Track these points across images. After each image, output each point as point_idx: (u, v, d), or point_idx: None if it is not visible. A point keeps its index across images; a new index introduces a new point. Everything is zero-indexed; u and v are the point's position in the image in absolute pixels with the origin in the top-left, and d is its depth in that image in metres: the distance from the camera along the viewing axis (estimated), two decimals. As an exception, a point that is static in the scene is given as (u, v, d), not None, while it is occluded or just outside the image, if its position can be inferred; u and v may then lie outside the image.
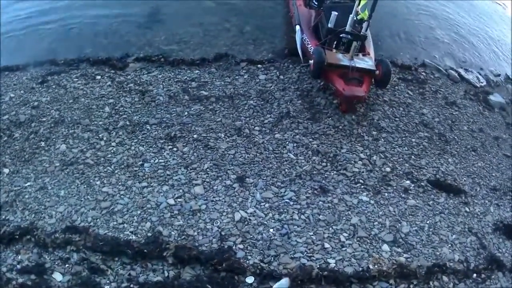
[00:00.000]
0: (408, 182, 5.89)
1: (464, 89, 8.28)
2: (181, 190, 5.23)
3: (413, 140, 6.55)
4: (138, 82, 6.75)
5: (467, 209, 5.89)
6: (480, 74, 9.08)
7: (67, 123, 5.98)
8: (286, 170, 5.61)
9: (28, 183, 5.26)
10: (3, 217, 4.91)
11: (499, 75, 9.47)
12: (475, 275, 5.13)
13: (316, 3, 7.56)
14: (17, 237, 4.69)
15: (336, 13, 6.53)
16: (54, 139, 5.76)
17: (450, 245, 5.32)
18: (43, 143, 5.75)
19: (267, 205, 5.20)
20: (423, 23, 10.11)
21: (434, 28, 9.99)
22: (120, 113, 6.19)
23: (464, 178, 6.32)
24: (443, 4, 11.26)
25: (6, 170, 5.43)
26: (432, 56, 8.91)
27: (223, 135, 6.01)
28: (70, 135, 5.83)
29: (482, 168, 6.66)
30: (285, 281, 4.52)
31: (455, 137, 6.93)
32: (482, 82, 8.82)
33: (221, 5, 8.92)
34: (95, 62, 7.16)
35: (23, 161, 5.53)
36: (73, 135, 5.83)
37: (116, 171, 5.38)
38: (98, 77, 6.82)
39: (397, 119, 6.81)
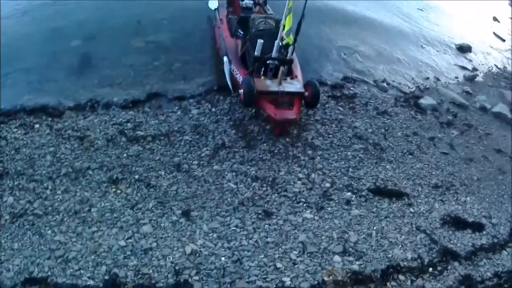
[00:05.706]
0: (349, 194, 6.00)
1: (394, 97, 8.59)
2: (130, 231, 5.14)
3: (349, 153, 6.69)
4: (76, 128, 6.63)
5: (411, 209, 6.07)
6: (408, 81, 9.49)
7: (11, 175, 5.78)
8: (229, 199, 5.63)
9: (-21, 238, 5.03)
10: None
11: (427, 78, 9.88)
12: (431, 269, 5.28)
13: (241, 32, 7.69)
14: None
15: (262, 41, 6.65)
16: (0, 192, 5.55)
17: (400, 246, 5.45)
18: (-11, 197, 5.53)
19: (215, 235, 5.18)
20: (350, 40, 10.36)
21: (360, 44, 10.29)
22: (62, 161, 6.05)
23: (404, 181, 6.51)
24: (368, 22, 11.69)
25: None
26: (360, 71, 9.16)
27: (163, 173, 5.97)
28: (16, 186, 5.62)
29: (421, 169, 6.87)
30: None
31: (390, 144, 7.14)
32: (411, 88, 9.19)
33: (149, 44, 8.87)
34: (32, 111, 6.95)
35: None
36: (19, 186, 5.62)
37: (65, 219, 5.23)
38: (37, 125, 6.65)
39: (330, 135, 6.95)
